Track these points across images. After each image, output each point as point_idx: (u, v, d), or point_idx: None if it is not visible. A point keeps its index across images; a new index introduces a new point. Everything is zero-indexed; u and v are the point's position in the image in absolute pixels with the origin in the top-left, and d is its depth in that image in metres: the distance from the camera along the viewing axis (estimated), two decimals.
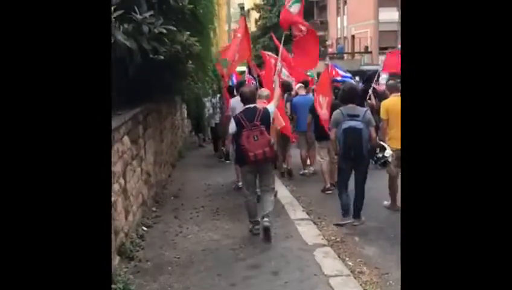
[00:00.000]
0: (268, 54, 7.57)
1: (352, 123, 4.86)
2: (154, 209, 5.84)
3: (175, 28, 4.66)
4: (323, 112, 6.59)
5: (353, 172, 5.14)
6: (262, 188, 4.91)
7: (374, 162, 6.38)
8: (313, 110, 6.78)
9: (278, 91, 5.16)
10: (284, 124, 5.50)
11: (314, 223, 5.26)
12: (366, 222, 5.17)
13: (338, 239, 4.76)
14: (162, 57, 4.77)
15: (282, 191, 6.58)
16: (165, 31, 4.34)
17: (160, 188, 6.69)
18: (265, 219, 4.67)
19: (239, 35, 7.44)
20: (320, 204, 6.03)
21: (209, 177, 7.71)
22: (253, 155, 4.49)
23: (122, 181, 4.22)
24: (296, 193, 6.58)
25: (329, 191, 6.47)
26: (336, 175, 5.69)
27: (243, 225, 5.10)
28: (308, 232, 4.91)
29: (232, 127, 4.74)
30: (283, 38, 6.60)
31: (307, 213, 5.63)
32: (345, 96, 5.26)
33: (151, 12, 4.26)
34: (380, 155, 7.62)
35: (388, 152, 8.31)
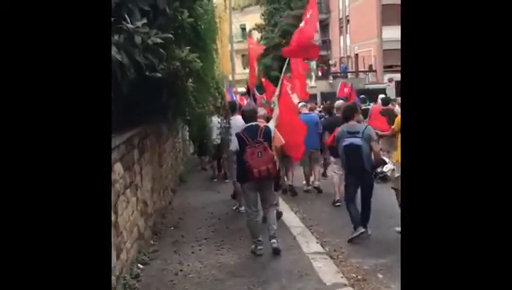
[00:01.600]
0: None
1: (352, 140, 5.03)
2: (152, 242, 5.28)
3: (171, 36, 4.16)
4: None
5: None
6: (265, 206, 4.92)
7: (374, 176, 6.15)
8: (329, 128, 6.68)
9: (276, 112, 5.41)
10: (283, 142, 5.21)
11: (331, 257, 4.68)
12: (371, 236, 5.18)
13: (359, 277, 4.18)
14: (159, 74, 4.30)
15: (292, 220, 6.05)
16: (160, 40, 3.81)
17: (159, 218, 6.13)
18: (273, 241, 4.75)
19: None
20: (335, 233, 5.46)
21: (211, 203, 7.17)
22: (257, 171, 4.52)
23: (112, 215, 3.68)
24: (307, 222, 6.01)
25: (339, 203, 6.60)
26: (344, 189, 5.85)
27: (250, 261, 4.55)
28: (325, 268, 4.33)
29: (235, 144, 4.77)
30: (286, 62, 6.69)
31: (322, 245, 5.05)
32: (345, 114, 5.44)
33: (144, 20, 3.74)
34: (379, 170, 7.31)
35: (387, 167, 7.94)
